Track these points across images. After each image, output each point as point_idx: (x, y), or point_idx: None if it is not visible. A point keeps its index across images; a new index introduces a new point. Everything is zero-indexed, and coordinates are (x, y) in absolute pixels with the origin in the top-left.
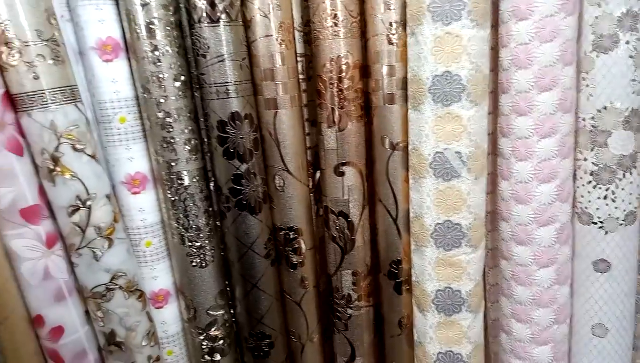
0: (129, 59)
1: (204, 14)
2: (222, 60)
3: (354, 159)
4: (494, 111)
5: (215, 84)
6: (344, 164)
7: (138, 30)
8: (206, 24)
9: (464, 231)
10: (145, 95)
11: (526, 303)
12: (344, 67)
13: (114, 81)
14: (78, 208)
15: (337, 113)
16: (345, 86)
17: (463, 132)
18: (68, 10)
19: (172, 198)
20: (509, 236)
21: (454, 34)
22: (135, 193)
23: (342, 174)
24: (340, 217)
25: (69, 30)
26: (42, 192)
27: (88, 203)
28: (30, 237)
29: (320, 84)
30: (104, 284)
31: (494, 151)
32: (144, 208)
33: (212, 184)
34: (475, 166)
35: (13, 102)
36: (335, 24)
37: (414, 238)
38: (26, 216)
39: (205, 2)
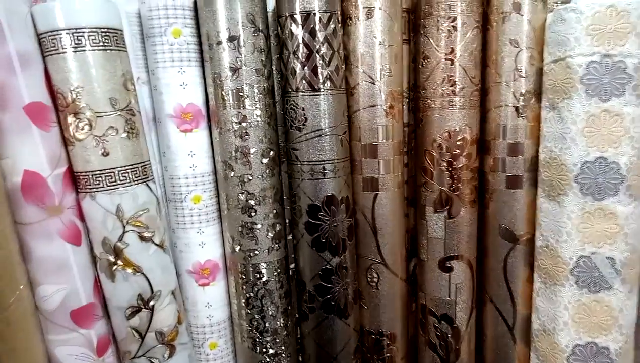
0: (209, 128)
1: (304, 81)
2: (320, 135)
3: (464, 252)
4: None
5: (309, 161)
6: (452, 258)
7: (225, 98)
8: (304, 92)
9: (612, 357)
10: (226, 171)
11: None
12: (459, 142)
13: (191, 154)
14: (139, 310)
15: (447, 196)
16: (460, 165)
17: (618, 233)
18: (145, 71)
19: (247, 295)
20: None
21: (613, 112)
22: (203, 285)
23: (449, 270)
24: (443, 322)
25: (144, 94)
26: (97, 286)
27: (151, 303)
28: (79, 343)
29: (428, 160)
30: None
31: None
32: (212, 303)
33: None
34: (631, 276)
35: (74, 180)
36: (453, 92)
37: (539, 356)
38: (76, 319)
39: (307, 67)
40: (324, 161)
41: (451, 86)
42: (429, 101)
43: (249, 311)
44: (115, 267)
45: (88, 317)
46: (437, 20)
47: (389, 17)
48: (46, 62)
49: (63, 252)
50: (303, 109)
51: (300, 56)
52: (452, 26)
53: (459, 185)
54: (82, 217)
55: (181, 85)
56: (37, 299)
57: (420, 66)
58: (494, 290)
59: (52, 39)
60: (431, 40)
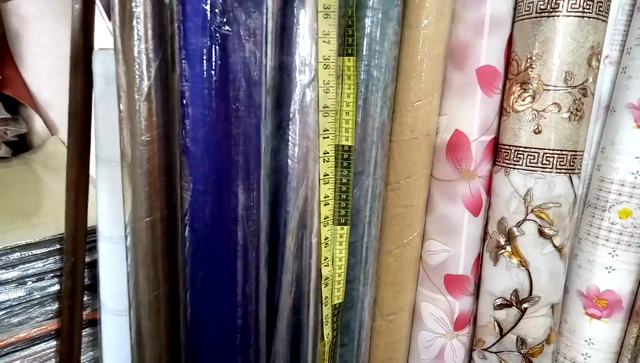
0: None
1: None
2: None
3: None
4: None
5: None
6: None
7: None
8: None
9: None
10: None
11: None
12: None
13: (639, 158)
14: (509, 305)
15: None
16: None
17: None
18: (620, 50)
19: None
20: None
21: None
22: (592, 315)
23: None
24: None
25: (606, 77)
26: (477, 263)
27: (524, 305)
28: (442, 308)
29: None
30: None
31: None
32: (595, 342)
33: None
34: None
35: (495, 152)
36: None
37: None
38: (448, 284)
39: None
40: None
41: None
42: None
43: None
44: (501, 251)
45: (459, 287)
46: None
47: None
48: (514, 27)
49: (460, 217)
50: None
51: None
52: None
53: None
54: (488, 191)
55: None
56: (423, 250)
57: None
58: None
59: (530, 2)
60: None
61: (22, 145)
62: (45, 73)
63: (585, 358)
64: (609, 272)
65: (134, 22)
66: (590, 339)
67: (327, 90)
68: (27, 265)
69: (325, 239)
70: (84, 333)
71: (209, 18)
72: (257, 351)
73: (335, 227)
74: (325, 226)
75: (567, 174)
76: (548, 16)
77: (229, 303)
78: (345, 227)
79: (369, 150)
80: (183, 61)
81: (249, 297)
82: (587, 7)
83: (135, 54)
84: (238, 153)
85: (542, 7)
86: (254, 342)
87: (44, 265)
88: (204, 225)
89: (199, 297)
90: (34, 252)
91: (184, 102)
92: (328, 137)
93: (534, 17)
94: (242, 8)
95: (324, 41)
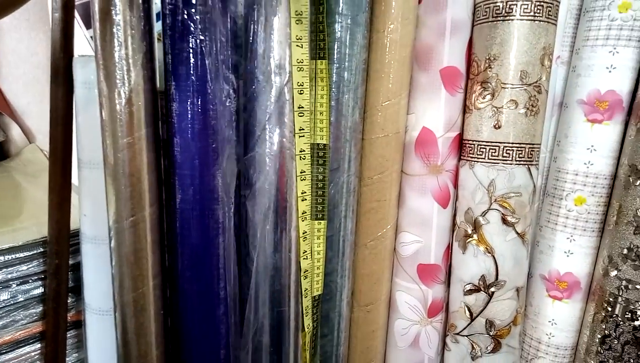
0: (625, 124)
1: None
2: None
3: None
4: None
5: None
6: None
7: None
8: None
9: None
10: (630, 177)
11: None
12: None
13: (590, 149)
14: (477, 290)
15: None
16: None
17: None
18: (570, 50)
19: (605, 332)
20: None
21: None
22: (554, 297)
23: None
24: None
25: (558, 76)
26: (448, 253)
27: (491, 289)
28: (416, 296)
29: None
30: None
31: None
32: (558, 322)
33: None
34: None
35: (460, 147)
36: None
37: None
38: (421, 273)
39: None
40: None
41: None
42: None
43: (602, 351)
44: (469, 240)
45: (431, 276)
46: None
47: None
48: (473, 30)
49: (429, 210)
50: None
51: None
52: None
53: None
54: (455, 184)
55: (607, 68)
56: (396, 242)
57: None
58: None
59: (487, 7)
60: None
61: None
62: (21, 81)
63: (549, 338)
64: (567, 256)
65: (115, 29)
66: (553, 319)
67: (302, 92)
68: (11, 268)
69: (303, 233)
70: (68, 335)
71: (190, 28)
72: (236, 323)
73: (313, 221)
74: (303, 221)
75: (526, 166)
76: (503, 20)
77: (212, 275)
78: (323, 222)
79: (343, 148)
80: (169, 64)
81: (229, 271)
82: (538, 11)
83: (116, 60)
84: (215, 141)
85: (497, 11)
86: (234, 315)
87: (27, 268)
88: (189, 206)
89: (187, 270)
90: (17, 255)
91: (170, 98)
92: (304, 136)
93: (490, 21)
94: (215, 18)
95: (297, 45)
